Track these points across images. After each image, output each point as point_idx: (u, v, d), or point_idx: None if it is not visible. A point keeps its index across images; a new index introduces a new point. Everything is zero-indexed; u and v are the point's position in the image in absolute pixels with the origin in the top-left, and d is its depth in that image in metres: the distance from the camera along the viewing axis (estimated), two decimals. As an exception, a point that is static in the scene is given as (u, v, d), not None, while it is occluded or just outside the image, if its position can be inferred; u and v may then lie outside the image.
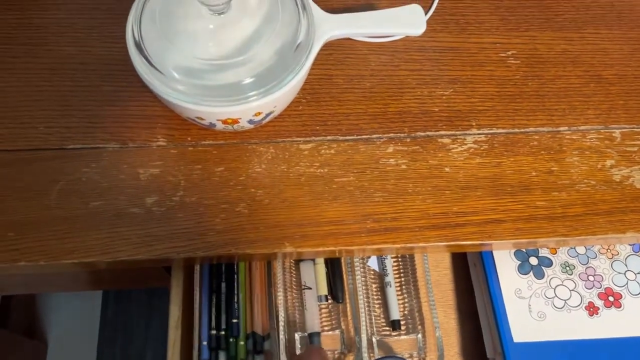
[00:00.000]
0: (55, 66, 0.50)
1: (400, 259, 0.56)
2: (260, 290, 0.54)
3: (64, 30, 0.52)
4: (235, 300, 0.53)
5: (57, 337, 1.04)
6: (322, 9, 0.47)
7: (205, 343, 0.51)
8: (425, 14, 0.54)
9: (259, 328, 0.53)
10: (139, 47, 0.42)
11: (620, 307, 0.51)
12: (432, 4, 0.55)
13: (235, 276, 0.54)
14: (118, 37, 0.43)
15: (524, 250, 0.53)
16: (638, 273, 0.53)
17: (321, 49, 0.50)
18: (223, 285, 0.54)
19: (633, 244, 0.55)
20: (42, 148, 0.47)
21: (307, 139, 0.49)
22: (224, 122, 0.44)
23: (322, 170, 0.48)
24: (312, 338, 0.52)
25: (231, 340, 0.52)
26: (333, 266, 0.55)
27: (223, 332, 0.52)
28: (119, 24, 0.43)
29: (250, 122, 0.45)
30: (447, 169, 0.48)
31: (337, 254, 0.47)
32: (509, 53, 0.53)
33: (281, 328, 0.51)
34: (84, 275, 0.67)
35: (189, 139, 0.48)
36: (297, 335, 0.52)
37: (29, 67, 0.50)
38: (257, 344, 0.52)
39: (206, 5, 0.42)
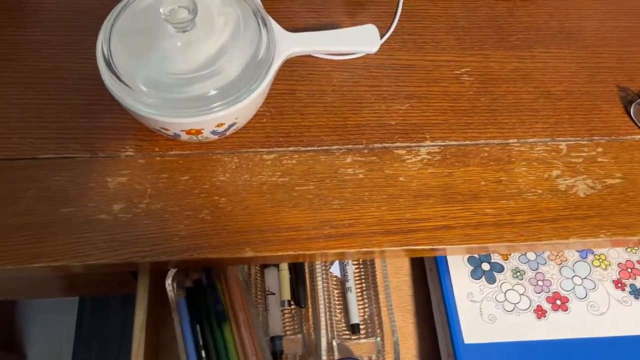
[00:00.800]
0: (31, 80, 0.53)
1: (361, 266, 0.58)
2: (245, 317, 0.52)
3: (40, 47, 0.55)
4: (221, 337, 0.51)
5: (36, 351, 1.05)
6: (287, 28, 0.50)
7: None
8: (385, 33, 0.58)
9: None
10: (108, 63, 0.45)
11: (566, 310, 0.53)
12: (391, 24, 0.59)
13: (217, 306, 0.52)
14: (92, 53, 0.45)
15: (477, 256, 0.56)
16: (584, 278, 0.55)
17: (285, 66, 0.54)
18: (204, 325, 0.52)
19: (581, 251, 0.57)
20: (15, 158, 0.49)
21: (270, 149, 0.52)
22: (188, 132, 0.46)
23: (283, 179, 0.50)
24: (275, 341, 0.54)
25: None
26: (296, 272, 0.57)
27: None
28: (94, 41, 0.46)
29: (213, 133, 0.48)
30: (401, 179, 0.51)
31: (295, 258, 0.49)
32: (463, 70, 0.57)
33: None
34: (58, 281, 0.69)
35: (156, 149, 0.51)
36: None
37: (5, 82, 0.53)
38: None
39: (171, 23, 0.44)
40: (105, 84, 0.45)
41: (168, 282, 0.52)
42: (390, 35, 0.58)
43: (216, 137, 0.49)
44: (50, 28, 0.56)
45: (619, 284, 0.55)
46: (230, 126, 0.48)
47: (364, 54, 0.56)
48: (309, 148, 0.52)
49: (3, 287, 0.75)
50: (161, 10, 0.44)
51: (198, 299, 0.53)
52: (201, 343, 0.51)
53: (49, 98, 0.52)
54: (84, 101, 0.52)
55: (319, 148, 0.52)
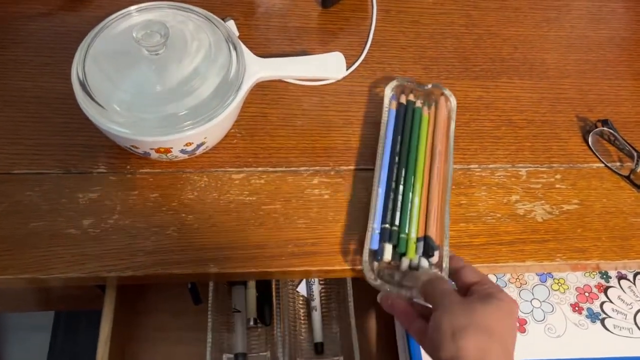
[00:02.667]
0: (10, 99, 0.55)
1: (328, 286, 0.59)
2: (438, 201, 0.50)
3: (20, 67, 0.56)
4: (410, 200, 0.50)
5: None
6: (261, 54, 0.52)
7: (377, 232, 0.48)
8: (355, 61, 0.60)
9: (433, 235, 0.49)
10: (82, 83, 0.47)
11: (524, 332, 0.54)
12: (361, 52, 0.61)
13: (413, 178, 0.51)
14: (70, 73, 0.47)
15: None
16: (543, 301, 0.56)
17: (258, 90, 0.56)
18: (401, 187, 0.50)
19: (540, 275, 0.59)
20: (-11, 172, 0.51)
21: (239, 169, 0.53)
22: (157, 150, 0.48)
23: (250, 198, 0.52)
24: (238, 359, 0.55)
25: (402, 236, 0.48)
26: (263, 291, 0.58)
27: (396, 227, 0.48)
28: (72, 61, 0.47)
29: (182, 151, 0.49)
30: (365, 200, 0.52)
31: (259, 276, 0.50)
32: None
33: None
34: (33, 295, 0.70)
35: (128, 167, 0.52)
36: (224, 357, 0.55)
37: (-16, 99, 0.54)
38: (429, 248, 0.48)
39: (144, 47, 0.46)
40: (79, 103, 0.46)
41: (388, 90, 0.55)
42: (360, 63, 0.60)
43: (186, 156, 0.51)
44: (31, 49, 0.58)
45: (576, 307, 0.56)
46: (199, 145, 0.49)
47: (334, 80, 0.58)
48: (277, 169, 0.54)
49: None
50: (134, 34, 0.46)
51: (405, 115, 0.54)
52: (397, 151, 0.52)
53: (27, 116, 0.54)
54: (60, 119, 0.54)
55: (287, 169, 0.54)
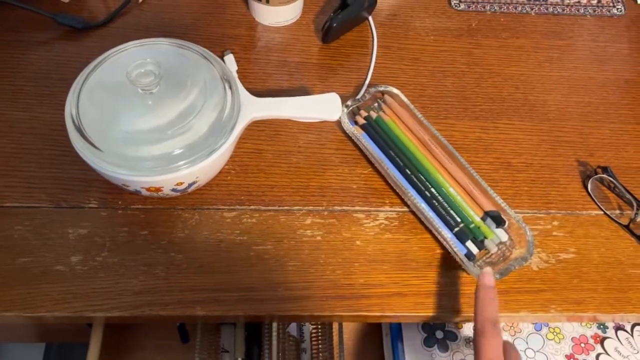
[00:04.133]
0: (4, 129, 0.54)
1: (319, 327, 0.58)
2: (465, 176, 0.53)
3: (17, 97, 0.56)
4: (449, 194, 0.52)
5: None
6: (260, 89, 0.51)
7: (455, 239, 0.50)
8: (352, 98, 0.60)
9: (487, 205, 0.52)
10: (75, 122, 0.46)
11: (517, 383, 0.53)
12: (360, 90, 0.61)
13: (432, 176, 0.53)
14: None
15: (431, 323, 0.56)
16: (537, 351, 0.55)
17: (254, 125, 0.55)
18: (433, 190, 0.52)
19: (535, 323, 0.57)
20: (-19, 204, 0.51)
21: (232, 207, 0.53)
22: (148, 189, 0.48)
23: (242, 238, 0.51)
24: (225, 400, 0.54)
25: (472, 227, 0.51)
26: (252, 331, 0.57)
27: (462, 224, 0.51)
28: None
29: (174, 190, 0.49)
30: (358, 242, 0.52)
31: (247, 319, 0.50)
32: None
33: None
34: (24, 328, 0.69)
35: (119, 202, 0.52)
36: (212, 397, 0.54)
37: (-21, 129, 0.54)
38: (496, 220, 0.51)
39: (138, 86, 0.46)
40: (71, 141, 0.46)
41: (345, 121, 0.55)
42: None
43: (177, 194, 0.50)
44: (29, 78, 0.58)
45: (571, 358, 0.55)
46: (190, 184, 0.49)
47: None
48: (270, 207, 0.53)
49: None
50: (128, 72, 0.46)
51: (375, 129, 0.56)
52: (402, 165, 0.54)
53: (20, 147, 0.54)
54: (54, 151, 0.54)
55: (280, 208, 0.53)
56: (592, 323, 0.58)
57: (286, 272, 0.50)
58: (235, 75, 0.60)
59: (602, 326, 0.58)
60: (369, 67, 0.62)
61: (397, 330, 0.54)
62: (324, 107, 0.52)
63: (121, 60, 0.49)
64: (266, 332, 0.55)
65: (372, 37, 0.65)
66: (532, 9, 0.70)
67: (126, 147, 0.46)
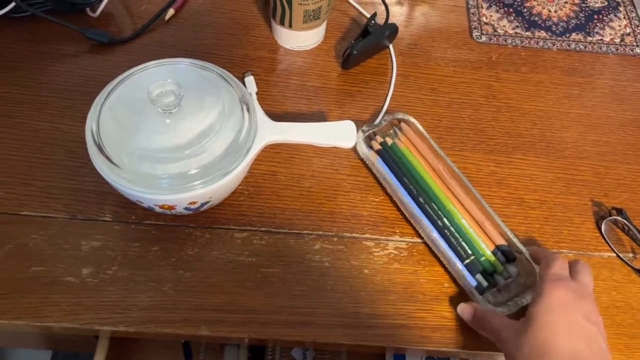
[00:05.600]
0: (27, 138, 0.56)
1: (323, 352, 0.58)
2: (477, 209, 0.53)
3: (40, 107, 0.58)
4: (461, 225, 0.53)
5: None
6: (278, 112, 0.52)
7: (465, 270, 0.51)
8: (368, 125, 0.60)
9: (498, 239, 0.52)
10: (94, 137, 0.47)
11: None
12: (376, 117, 0.61)
13: (445, 207, 0.53)
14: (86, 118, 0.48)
15: (435, 357, 0.56)
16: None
17: (270, 148, 0.56)
18: (445, 220, 0.53)
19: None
20: (-1, 212, 0.52)
21: (243, 228, 0.53)
22: (162, 207, 0.48)
23: (250, 259, 0.51)
24: (224, 421, 0.54)
25: (482, 260, 0.51)
26: (255, 353, 0.57)
27: (472, 256, 0.51)
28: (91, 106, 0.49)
29: (187, 209, 0.49)
30: (366, 271, 0.52)
31: (250, 341, 0.50)
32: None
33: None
34: (28, 335, 0.70)
35: (133, 217, 0.53)
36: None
37: (2, 137, 0.56)
38: (507, 254, 0.51)
39: (158, 106, 0.47)
40: (90, 155, 0.47)
41: (362, 146, 0.56)
42: (374, 128, 0.60)
43: (190, 212, 0.51)
44: (54, 90, 0.59)
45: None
46: (203, 204, 0.50)
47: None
48: (280, 230, 0.53)
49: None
50: (149, 92, 0.47)
51: (390, 155, 0.56)
52: (415, 193, 0.54)
53: (41, 157, 0.55)
54: (73, 163, 0.55)
55: (290, 231, 0.53)
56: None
57: (292, 297, 0.50)
58: (255, 96, 0.60)
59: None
60: (387, 94, 0.63)
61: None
62: (339, 134, 0.52)
63: (143, 79, 0.51)
64: (269, 355, 0.55)
65: (392, 65, 0.65)
66: (553, 45, 0.70)
67: (143, 164, 0.47)
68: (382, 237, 0.54)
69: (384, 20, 0.64)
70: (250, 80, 0.61)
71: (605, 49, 0.70)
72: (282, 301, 0.50)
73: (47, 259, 0.50)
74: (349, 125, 0.52)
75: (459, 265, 0.51)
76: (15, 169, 0.54)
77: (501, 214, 0.56)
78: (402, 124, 0.58)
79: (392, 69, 0.65)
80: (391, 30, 0.64)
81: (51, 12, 0.62)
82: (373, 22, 0.63)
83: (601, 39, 0.71)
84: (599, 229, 0.56)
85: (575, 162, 0.60)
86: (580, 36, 0.71)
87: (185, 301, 0.49)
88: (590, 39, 0.71)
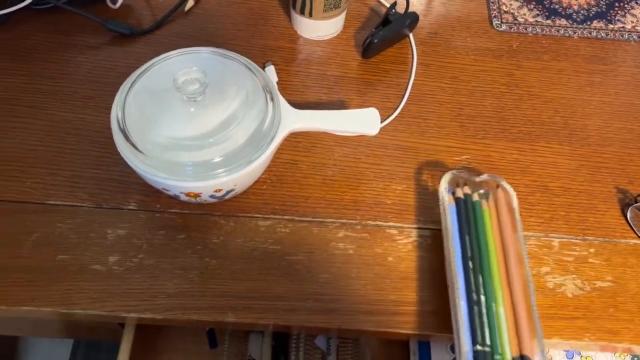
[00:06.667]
0: (51, 129, 0.56)
1: (346, 341, 0.58)
2: (525, 310, 0.46)
3: (65, 98, 0.58)
4: (496, 312, 0.46)
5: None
6: (299, 101, 0.52)
7: (471, 356, 0.44)
8: (391, 114, 0.60)
9: (529, 351, 0.44)
10: (120, 125, 0.48)
11: (546, 411, 0.52)
12: (397, 106, 0.61)
13: (492, 285, 0.46)
14: (110, 108, 0.48)
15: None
16: (568, 379, 0.54)
17: (291, 137, 0.56)
18: (482, 297, 0.46)
19: (567, 351, 0.56)
20: (26, 201, 0.52)
21: (266, 216, 0.53)
22: (187, 194, 0.48)
23: (274, 247, 0.52)
24: (250, 408, 0.54)
25: (497, 358, 0.44)
26: (280, 341, 0.57)
27: (489, 348, 0.44)
28: (114, 97, 0.49)
29: (212, 197, 0.50)
30: (390, 259, 0.52)
31: (276, 328, 0.50)
32: (463, 157, 0.58)
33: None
34: (57, 323, 0.71)
35: (158, 206, 0.53)
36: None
37: (27, 128, 0.56)
38: None
39: (183, 93, 0.47)
40: (115, 143, 0.47)
41: (443, 184, 0.51)
42: (396, 116, 0.60)
43: (215, 200, 0.51)
44: (77, 81, 0.60)
45: (603, 389, 0.54)
46: (228, 192, 0.50)
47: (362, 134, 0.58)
48: (304, 218, 0.53)
49: (2, 324, 0.77)
50: (175, 80, 0.47)
51: (467, 210, 0.51)
52: (470, 255, 0.48)
53: (65, 147, 0.55)
54: (97, 153, 0.55)
55: (314, 219, 0.53)
56: (626, 354, 0.57)
57: (317, 284, 0.50)
58: (276, 86, 0.60)
59: (636, 358, 0.56)
60: (408, 83, 0.63)
61: (425, 349, 0.54)
62: (363, 122, 0.52)
63: (167, 68, 0.51)
64: (293, 343, 0.55)
65: (412, 54, 0.65)
66: (574, 33, 0.69)
67: (168, 152, 0.47)
68: (406, 225, 0.54)
69: (404, 9, 0.64)
70: (270, 69, 0.61)
71: (627, 36, 0.70)
72: (307, 288, 0.50)
73: (74, 247, 0.50)
74: (372, 113, 0.52)
75: (468, 347, 0.44)
76: (40, 159, 0.54)
77: (525, 202, 0.55)
78: (499, 191, 0.52)
79: (413, 57, 0.65)
80: (412, 19, 0.64)
81: (72, 3, 0.63)
82: (393, 10, 0.63)
83: (623, 27, 0.71)
84: (625, 216, 0.55)
85: (599, 149, 0.60)
86: (601, 24, 0.70)
87: (211, 288, 0.49)
88: (612, 26, 0.70)
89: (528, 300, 0.46)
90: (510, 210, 0.51)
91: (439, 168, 0.57)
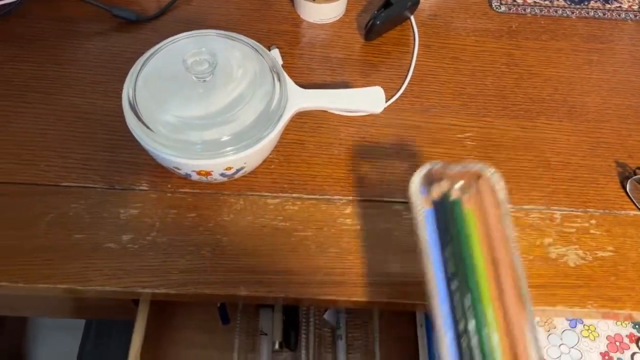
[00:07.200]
0: (62, 114, 0.57)
1: (354, 316, 0.60)
2: (522, 336, 0.39)
3: (74, 83, 0.59)
4: (489, 340, 0.39)
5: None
6: (303, 83, 0.53)
7: None
8: (394, 94, 0.61)
9: None
10: (131, 104, 0.49)
11: (552, 378, 0.54)
12: (401, 86, 0.62)
13: (481, 306, 0.39)
14: (119, 92, 0.49)
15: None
16: (572, 347, 0.55)
17: (297, 118, 0.57)
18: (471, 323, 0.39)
19: (570, 320, 0.58)
20: (39, 183, 0.53)
21: (275, 194, 0.54)
22: (199, 173, 0.50)
23: (284, 224, 0.53)
24: (262, 382, 0.55)
25: None
26: (290, 315, 0.59)
27: None
28: (122, 81, 0.50)
29: (222, 175, 0.51)
30: (396, 233, 0.53)
31: (287, 301, 0.51)
32: (466, 135, 0.59)
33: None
34: (69, 302, 0.72)
35: (169, 186, 0.54)
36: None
37: (38, 113, 0.57)
38: None
39: (193, 73, 0.48)
40: (127, 123, 0.49)
41: (414, 184, 0.43)
42: (399, 96, 0.61)
43: (225, 179, 0.52)
44: (86, 67, 0.61)
45: (606, 356, 0.55)
46: (238, 170, 0.51)
47: (368, 113, 0.59)
48: (312, 196, 0.55)
49: (18, 304, 0.78)
50: (184, 60, 0.48)
51: (445, 215, 0.43)
52: (452, 272, 0.41)
53: (76, 130, 0.56)
54: (107, 136, 0.56)
55: (321, 197, 0.55)
56: (627, 322, 0.58)
57: (326, 258, 0.51)
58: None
59: (637, 326, 0.58)
60: (410, 64, 0.64)
61: (431, 321, 0.55)
62: (368, 100, 0.53)
63: (177, 49, 0.52)
64: (303, 318, 0.56)
65: (414, 36, 0.66)
66: (572, 13, 0.71)
67: (178, 131, 0.48)
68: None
69: (404, -8, 0.65)
70: (275, 53, 0.62)
71: (623, 15, 0.71)
72: (316, 262, 0.51)
73: (88, 227, 0.51)
74: (377, 91, 0.53)
75: None
76: (52, 142, 0.56)
77: (528, 177, 0.57)
78: (481, 182, 0.44)
79: (415, 39, 0.66)
80: (413, 2, 0.65)
81: (78, -9, 0.64)
82: (394, -7, 0.64)
83: (619, 6, 0.72)
84: (624, 188, 0.57)
85: (598, 125, 0.61)
86: (598, 4, 0.72)
87: (223, 264, 0.50)
88: (609, 6, 0.72)
89: (524, 317, 0.39)
90: (497, 204, 0.44)
91: (443, 146, 0.58)
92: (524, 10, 0.70)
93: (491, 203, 0.44)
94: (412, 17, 0.67)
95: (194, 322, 0.59)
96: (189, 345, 0.58)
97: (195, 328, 0.59)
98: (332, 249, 0.52)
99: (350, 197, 0.55)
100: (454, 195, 0.45)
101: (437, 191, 0.45)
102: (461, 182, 0.45)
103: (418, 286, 0.50)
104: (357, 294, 0.50)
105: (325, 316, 0.59)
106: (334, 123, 0.59)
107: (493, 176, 0.44)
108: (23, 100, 0.58)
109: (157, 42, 0.52)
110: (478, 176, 0.45)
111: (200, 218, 0.53)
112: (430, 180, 0.45)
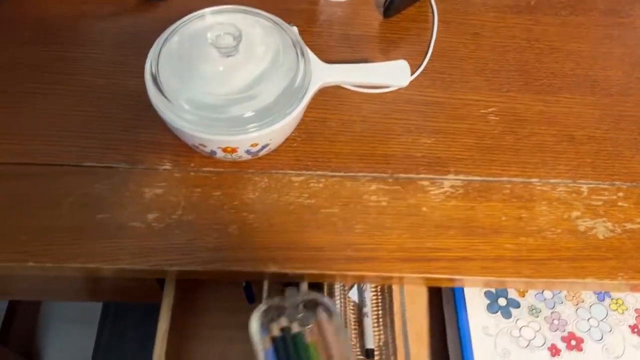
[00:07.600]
0: (84, 94, 0.57)
1: (379, 292, 0.59)
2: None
3: (95, 64, 0.59)
4: None
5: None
6: (323, 60, 0.53)
7: None
8: (416, 70, 0.61)
9: None
10: (155, 80, 0.48)
11: (581, 350, 0.53)
12: (422, 62, 0.61)
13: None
14: (139, 71, 0.49)
15: (494, 291, 0.56)
16: (600, 320, 0.55)
17: (318, 96, 0.56)
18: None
19: (598, 293, 0.57)
20: (62, 164, 0.53)
21: (299, 172, 0.54)
22: (224, 150, 0.49)
23: (309, 201, 0.52)
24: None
25: None
26: (315, 294, 0.58)
27: None
28: (142, 60, 0.49)
29: (247, 152, 0.50)
30: (424, 209, 0.53)
31: (317, 278, 0.51)
32: (490, 110, 0.59)
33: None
34: (88, 284, 0.72)
35: (192, 165, 0.54)
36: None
37: (60, 94, 0.57)
38: None
39: (217, 48, 0.48)
40: (151, 100, 0.48)
41: (254, 325, 0.45)
42: (421, 72, 0.61)
43: (250, 156, 0.52)
44: (105, 47, 0.60)
45: (635, 329, 0.55)
46: (263, 147, 0.50)
47: (394, 89, 0.59)
48: (336, 173, 0.54)
49: (35, 288, 0.78)
50: (208, 35, 0.48)
51: (287, 352, 0.45)
52: None
53: (97, 111, 0.56)
54: (129, 116, 0.56)
55: (346, 174, 0.54)
56: (655, 296, 0.58)
57: (353, 235, 0.51)
58: (301, 45, 0.61)
59: (666, 300, 0.58)
60: (430, 40, 0.63)
61: (459, 297, 0.55)
62: (393, 74, 0.52)
63: (198, 25, 0.51)
64: (328, 296, 0.56)
65: (433, 12, 0.66)
66: (591, -12, 0.70)
67: (202, 107, 0.47)
68: (437, 177, 0.54)
69: (422, -32, 0.64)
70: (294, 31, 0.62)
71: (643, -10, 0.70)
72: (344, 239, 0.51)
73: (112, 207, 0.51)
74: (402, 65, 0.53)
75: None
76: (74, 123, 0.55)
77: (552, 151, 0.56)
78: (319, 311, 0.45)
79: (434, 15, 0.65)
80: (431, -23, 0.64)
81: (93, -28, 0.63)
82: (413, -31, 0.63)
83: (638, -19, 0.71)
84: (650, 161, 0.56)
85: (622, 99, 0.61)
86: (617, -21, 0.71)
87: (250, 241, 0.50)
88: (628, -20, 0.71)
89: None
90: (337, 334, 0.44)
91: (467, 121, 0.58)
92: (543, -15, 0.69)
93: (335, 342, 0.45)
94: (430, -6, 0.67)
95: (219, 304, 0.59)
96: (215, 326, 0.58)
97: (221, 309, 0.58)
98: (359, 225, 0.51)
99: (375, 174, 0.54)
100: (294, 329, 0.46)
101: (276, 328, 0.46)
102: (301, 315, 0.46)
103: (449, 262, 0.50)
104: (388, 269, 0.49)
105: (350, 294, 0.59)
106: (356, 100, 0.59)
107: (330, 304, 0.46)
108: (43, 81, 0.57)
109: (175, 21, 0.52)
110: (316, 304, 0.47)
111: (226, 196, 0.52)
112: (271, 318, 0.46)
